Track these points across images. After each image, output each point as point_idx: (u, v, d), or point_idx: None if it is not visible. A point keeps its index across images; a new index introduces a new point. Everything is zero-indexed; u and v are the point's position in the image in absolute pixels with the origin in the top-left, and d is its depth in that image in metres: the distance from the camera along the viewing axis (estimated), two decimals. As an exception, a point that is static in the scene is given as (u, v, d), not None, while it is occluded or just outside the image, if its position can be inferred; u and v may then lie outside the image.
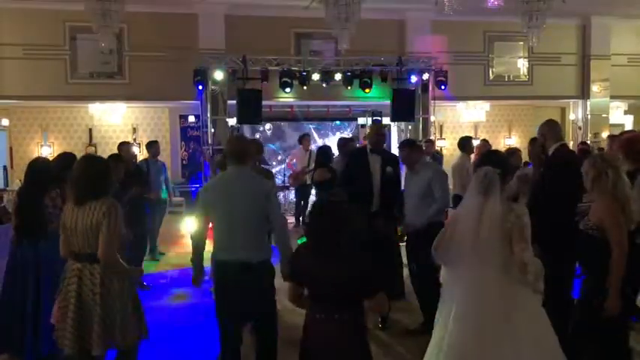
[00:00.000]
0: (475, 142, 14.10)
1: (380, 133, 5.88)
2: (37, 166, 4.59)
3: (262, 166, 6.97)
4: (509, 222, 3.21)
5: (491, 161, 3.44)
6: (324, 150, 7.55)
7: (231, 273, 3.64)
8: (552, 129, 4.72)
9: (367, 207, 5.35)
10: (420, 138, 11.63)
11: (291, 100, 12.29)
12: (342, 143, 8.55)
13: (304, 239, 3.55)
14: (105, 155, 4.93)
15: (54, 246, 4.25)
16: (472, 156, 8.30)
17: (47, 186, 4.42)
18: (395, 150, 13.14)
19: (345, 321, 2.84)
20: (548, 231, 3.97)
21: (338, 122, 14.42)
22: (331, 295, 2.84)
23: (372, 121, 13.27)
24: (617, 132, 9.17)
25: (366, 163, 5.57)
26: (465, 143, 8.28)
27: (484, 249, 3.20)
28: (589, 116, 13.63)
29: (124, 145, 7.64)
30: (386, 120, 12.98)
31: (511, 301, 3.18)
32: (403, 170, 5.73)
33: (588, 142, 12.41)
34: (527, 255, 3.17)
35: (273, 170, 13.51)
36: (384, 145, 6.03)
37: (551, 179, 4.43)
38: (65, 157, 5.03)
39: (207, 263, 4.00)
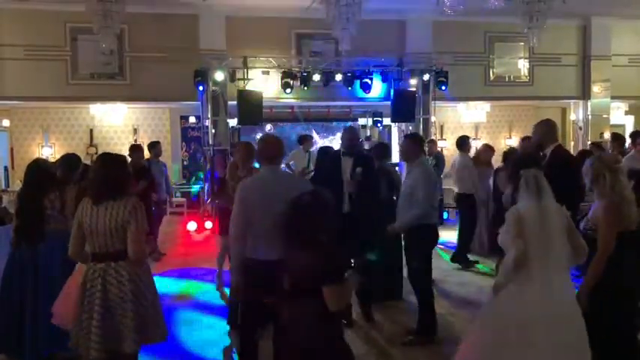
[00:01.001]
0: (478, 143, 14.23)
1: (352, 136, 5.95)
2: (36, 167, 4.57)
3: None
4: (564, 217, 3.31)
5: (533, 163, 3.45)
6: (326, 151, 7.53)
7: (269, 272, 3.55)
8: (550, 130, 4.78)
9: (339, 208, 5.30)
10: (421, 139, 11.63)
11: (292, 100, 12.30)
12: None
13: None
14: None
15: (52, 248, 4.25)
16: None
17: (47, 188, 4.41)
18: (396, 150, 13.23)
19: (310, 307, 2.92)
20: None
21: (348, 124, 14.44)
22: (300, 283, 2.95)
23: (373, 122, 13.31)
24: (615, 133, 9.19)
25: (338, 166, 5.63)
26: (463, 142, 8.29)
27: (557, 250, 3.20)
28: (590, 117, 13.62)
29: (135, 148, 7.84)
30: (386, 120, 13.00)
31: (573, 296, 3.26)
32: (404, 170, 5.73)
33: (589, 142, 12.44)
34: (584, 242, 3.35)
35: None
36: (358, 147, 6.09)
37: (551, 180, 4.46)
38: (69, 159, 5.03)
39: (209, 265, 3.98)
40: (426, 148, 10.51)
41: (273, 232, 3.55)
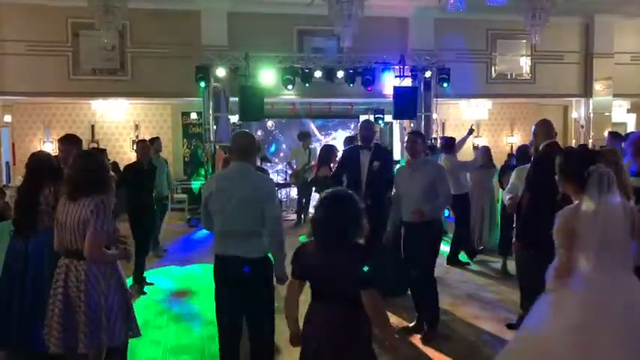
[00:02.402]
0: (480, 141, 14.21)
1: (369, 128, 6.00)
2: (35, 161, 4.49)
3: (263, 164, 6.95)
4: (629, 214, 3.08)
5: (597, 158, 3.19)
6: (328, 149, 7.55)
7: (228, 267, 3.62)
8: (544, 127, 4.78)
9: None
10: (423, 136, 11.64)
11: (294, 97, 12.29)
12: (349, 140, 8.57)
13: (304, 237, 3.58)
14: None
15: (41, 245, 4.21)
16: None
17: (43, 182, 4.34)
18: (397, 147, 13.24)
19: (348, 313, 2.83)
20: (537, 227, 4.06)
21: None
22: (335, 288, 2.84)
23: (374, 119, 13.31)
24: (618, 131, 9.15)
25: (357, 159, 5.70)
26: (450, 145, 8.22)
27: (620, 251, 3.00)
28: (592, 115, 13.59)
29: (139, 143, 7.66)
30: (388, 118, 13.00)
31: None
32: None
33: (590, 141, 12.44)
34: None
35: (275, 168, 13.57)
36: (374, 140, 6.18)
37: (539, 175, 4.47)
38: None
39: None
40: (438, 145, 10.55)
41: (231, 227, 3.59)
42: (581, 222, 2.98)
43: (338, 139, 14.59)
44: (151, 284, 6.81)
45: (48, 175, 4.37)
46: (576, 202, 3.11)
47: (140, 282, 6.65)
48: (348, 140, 8.67)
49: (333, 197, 2.91)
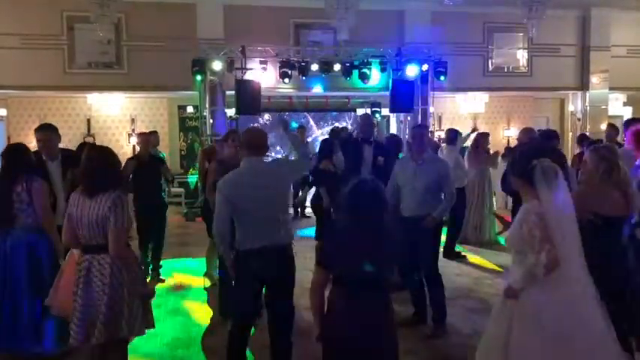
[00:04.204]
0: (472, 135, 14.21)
1: (369, 122, 6.03)
2: (9, 153, 4.35)
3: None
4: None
5: (546, 152, 3.12)
6: (329, 143, 7.54)
7: (262, 259, 3.62)
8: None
9: None
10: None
11: (290, 90, 12.26)
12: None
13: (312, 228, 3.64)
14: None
15: (18, 246, 4.15)
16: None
17: (17, 176, 4.19)
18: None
19: (381, 300, 2.94)
20: None
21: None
22: (371, 275, 2.86)
23: (371, 112, 13.31)
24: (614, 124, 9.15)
25: (360, 153, 5.69)
26: (453, 136, 8.23)
27: (571, 246, 2.94)
28: (588, 108, 13.61)
29: (141, 136, 7.53)
30: (385, 111, 12.99)
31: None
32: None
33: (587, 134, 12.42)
34: None
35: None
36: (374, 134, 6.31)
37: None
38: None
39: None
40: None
41: (262, 220, 3.63)
42: (548, 216, 2.92)
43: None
44: (164, 280, 6.87)
45: (23, 170, 4.24)
46: (527, 197, 3.06)
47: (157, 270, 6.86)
48: (335, 133, 8.69)
49: (373, 186, 2.96)
